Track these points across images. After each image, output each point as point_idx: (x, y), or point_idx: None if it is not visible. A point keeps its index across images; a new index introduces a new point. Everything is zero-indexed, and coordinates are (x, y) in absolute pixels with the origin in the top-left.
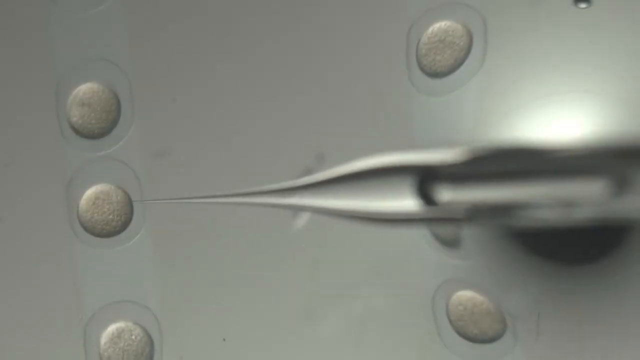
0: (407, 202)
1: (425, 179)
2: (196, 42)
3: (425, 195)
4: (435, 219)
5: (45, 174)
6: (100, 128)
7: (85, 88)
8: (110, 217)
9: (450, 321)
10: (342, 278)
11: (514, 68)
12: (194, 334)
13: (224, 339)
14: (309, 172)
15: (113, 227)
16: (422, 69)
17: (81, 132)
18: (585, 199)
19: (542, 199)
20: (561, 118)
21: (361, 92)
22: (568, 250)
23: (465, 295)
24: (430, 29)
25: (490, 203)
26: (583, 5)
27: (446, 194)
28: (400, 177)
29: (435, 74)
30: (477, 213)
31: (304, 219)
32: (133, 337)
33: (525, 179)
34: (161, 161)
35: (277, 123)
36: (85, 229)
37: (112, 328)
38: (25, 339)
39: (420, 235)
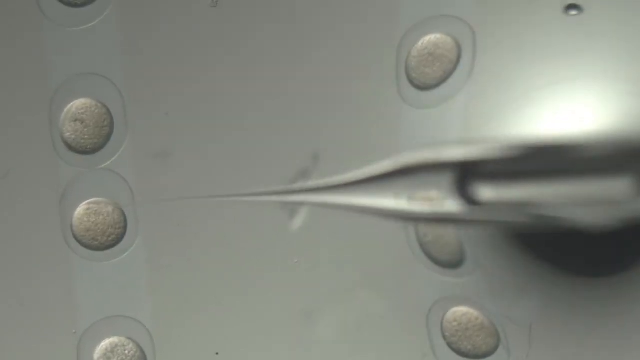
0: (447, 202)
1: (465, 176)
2: (190, 46)
3: (465, 194)
4: (477, 221)
5: (38, 188)
6: (94, 143)
7: (78, 104)
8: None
9: (444, 337)
10: (338, 282)
11: (503, 75)
12: (188, 344)
13: (217, 353)
14: (305, 173)
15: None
16: (411, 81)
17: (74, 148)
18: (610, 199)
19: (565, 199)
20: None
21: (358, 91)
22: (577, 259)
23: (460, 310)
24: (420, 42)
25: (525, 201)
26: (573, 12)
27: (490, 192)
28: (440, 174)
29: (424, 87)
30: (514, 212)
31: (301, 219)
32: (126, 352)
33: (548, 179)
34: (155, 172)
35: (272, 124)
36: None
37: (105, 343)
38: (17, 353)
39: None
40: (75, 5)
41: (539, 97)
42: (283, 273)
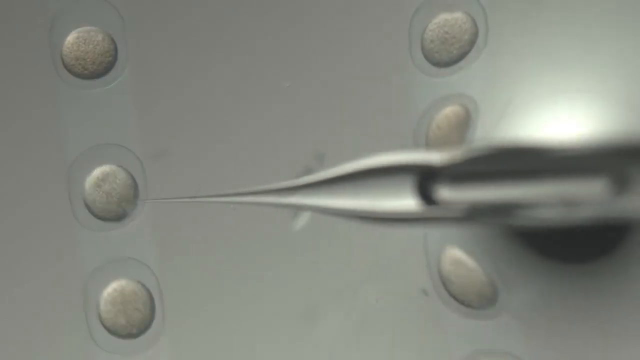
0: (407, 202)
1: (425, 178)
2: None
3: (425, 194)
4: (435, 218)
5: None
6: None
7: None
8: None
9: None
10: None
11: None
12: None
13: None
14: (309, 172)
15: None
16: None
17: None
18: (586, 198)
19: (543, 198)
20: (561, 117)
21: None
22: (568, 249)
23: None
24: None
25: (490, 202)
26: None
27: (447, 194)
28: (400, 176)
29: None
30: (477, 212)
31: (304, 219)
32: (117, 180)
33: (525, 178)
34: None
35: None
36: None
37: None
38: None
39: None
40: None
41: (530, 107)
42: (286, 271)
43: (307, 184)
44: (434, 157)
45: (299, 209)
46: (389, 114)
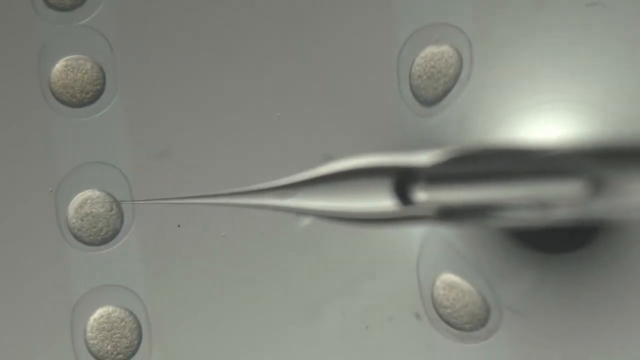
0: (385, 203)
1: (403, 179)
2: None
3: (402, 195)
4: (412, 218)
5: (16, 46)
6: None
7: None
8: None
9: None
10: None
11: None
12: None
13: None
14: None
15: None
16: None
17: (53, 5)
18: (562, 200)
19: (519, 200)
20: (539, 120)
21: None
22: (549, 242)
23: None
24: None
25: (467, 204)
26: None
27: (424, 195)
28: (378, 177)
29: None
30: (454, 214)
31: (307, 219)
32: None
33: (502, 180)
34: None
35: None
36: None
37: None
38: None
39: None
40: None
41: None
42: (286, 271)
43: (285, 185)
44: (412, 158)
45: (296, 210)
46: (386, 118)
